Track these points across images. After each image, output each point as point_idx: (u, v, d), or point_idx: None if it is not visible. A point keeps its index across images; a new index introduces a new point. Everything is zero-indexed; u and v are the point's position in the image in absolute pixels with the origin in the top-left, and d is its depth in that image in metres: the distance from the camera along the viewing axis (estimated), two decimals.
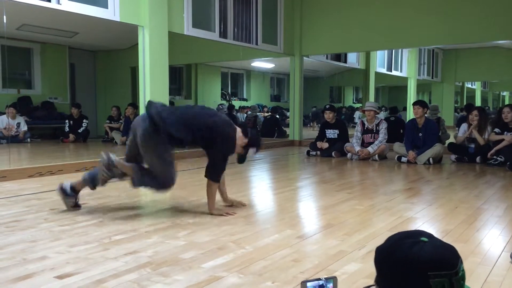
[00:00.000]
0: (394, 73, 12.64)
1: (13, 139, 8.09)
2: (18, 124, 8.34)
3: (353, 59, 11.34)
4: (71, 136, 8.77)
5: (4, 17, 5.40)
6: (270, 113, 12.12)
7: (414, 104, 6.20)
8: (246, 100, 15.21)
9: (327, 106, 7.10)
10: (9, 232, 2.56)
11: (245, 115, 12.19)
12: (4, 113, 8.32)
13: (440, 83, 15.31)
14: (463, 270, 1.05)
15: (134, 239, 2.44)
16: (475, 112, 6.08)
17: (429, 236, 1.06)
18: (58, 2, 4.68)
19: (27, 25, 7.73)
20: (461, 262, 1.06)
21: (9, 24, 6.48)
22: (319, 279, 1.14)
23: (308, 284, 1.13)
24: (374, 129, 6.47)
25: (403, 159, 6.06)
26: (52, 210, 3.12)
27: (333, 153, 6.64)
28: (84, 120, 8.98)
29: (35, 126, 9.08)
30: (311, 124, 15.26)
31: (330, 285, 1.16)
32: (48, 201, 3.43)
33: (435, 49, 14.30)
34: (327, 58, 10.04)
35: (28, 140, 8.45)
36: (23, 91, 9.46)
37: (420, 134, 6.04)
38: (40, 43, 9.42)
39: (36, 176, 4.58)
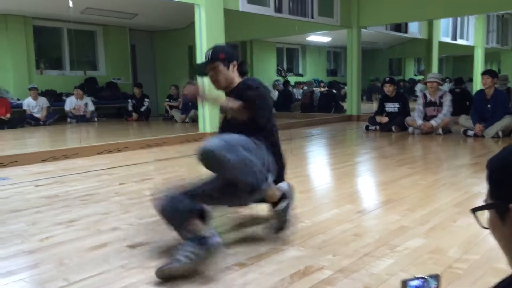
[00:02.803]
0: (459, 42, 11.91)
1: (82, 119, 8.58)
2: (86, 105, 8.82)
3: (415, 29, 10.81)
4: (134, 115, 9.15)
5: (70, 1, 5.66)
6: (326, 88, 11.92)
7: (482, 74, 5.85)
8: (301, 75, 15.02)
9: (387, 79, 6.86)
10: (83, 205, 2.75)
11: (301, 90, 12.07)
12: (72, 94, 8.83)
13: (511, 51, 14.26)
14: None
15: None
16: None
17: None
18: None
19: (90, 9, 8.06)
20: None
21: (74, 8, 6.79)
22: (422, 278, 1.06)
23: (411, 283, 1.05)
24: (437, 101, 6.18)
25: (470, 132, 5.77)
26: (121, 185, 3.31)
27: (393, 128, 6.45)
28: (146, 99, 9.32)
29: (101, 106, 9.56)
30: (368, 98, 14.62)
31: (434, 284, 1.08)
32: (117, 176, 3.64)
33: (505, 15, 13.27)
34: (386, 29, 9.64)
35: (95, 119, 8.93)
36: (89, 72, 9.95)
37: (489, 106, 5.70)
38: (103, 25, 9.81)
39: (105, 153, 4.85)
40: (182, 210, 1.83)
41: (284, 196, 2.08)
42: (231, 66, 2.23)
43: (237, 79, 2.26)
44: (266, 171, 2.00)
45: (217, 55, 2.21)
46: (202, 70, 2.29)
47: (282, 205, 2.05)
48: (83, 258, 1.89)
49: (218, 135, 2.07)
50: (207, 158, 1.83)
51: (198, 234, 1.77)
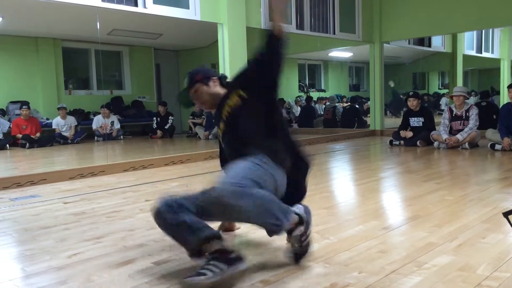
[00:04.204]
0: (484, 55, 11.72)
1: (108, 137, 8.77)
2: (112, 123, 9.02)
3: (438, 43, 10.71)
4: (159, 132, 9.30)
5: (98, 23, 5.84)
6: (349, 103, 11.87)
7: (509, 87, 5.73)
8: (324, 91, 14.99)
9: (411, 93, 6.80)
10: (110, 222, 2.80)
11: (324, 106, 12.05)
12: (99, 113, 9.05)
13: None
14: None
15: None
16: None
17: None
18: (144, 6, 4.98)
19: (117, 30, 8.30)
20: None
21: (102, 30, 7.00)
22: None
23: None
24: (464, 115, 6.08)
25: (497, 146, 5.64)
26: (147, 201, 3.35)
27: (418, 142, 6.36)
28: (170, 117, 9.47)
29: (127, 124, 9.76)
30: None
31: None
32: (143, 193, 3.70)
33: None
34: (409, 43, 9.59)
35: (121, 137, 9.11)
36: (115, 91, 10.20)
37: None
38: (129, 46, 10.08)
39: (131, 170, 4.93)
40: (189, 224, 1.78)
41: (300, 222, 1.89)
42: (211, 83, 2.18)
43: (222, 92, 2.19)
44: (280, 200, 1.83)
45: (194, 78, 2.19)
46: (187, 98, 2.26)
47: (297, 232, 1.88)
48: (110, 274, 1.92)
49: (225, 169, 1.91)
50: (217, 209, 1.77)
51: (224, 253, 1.75)
